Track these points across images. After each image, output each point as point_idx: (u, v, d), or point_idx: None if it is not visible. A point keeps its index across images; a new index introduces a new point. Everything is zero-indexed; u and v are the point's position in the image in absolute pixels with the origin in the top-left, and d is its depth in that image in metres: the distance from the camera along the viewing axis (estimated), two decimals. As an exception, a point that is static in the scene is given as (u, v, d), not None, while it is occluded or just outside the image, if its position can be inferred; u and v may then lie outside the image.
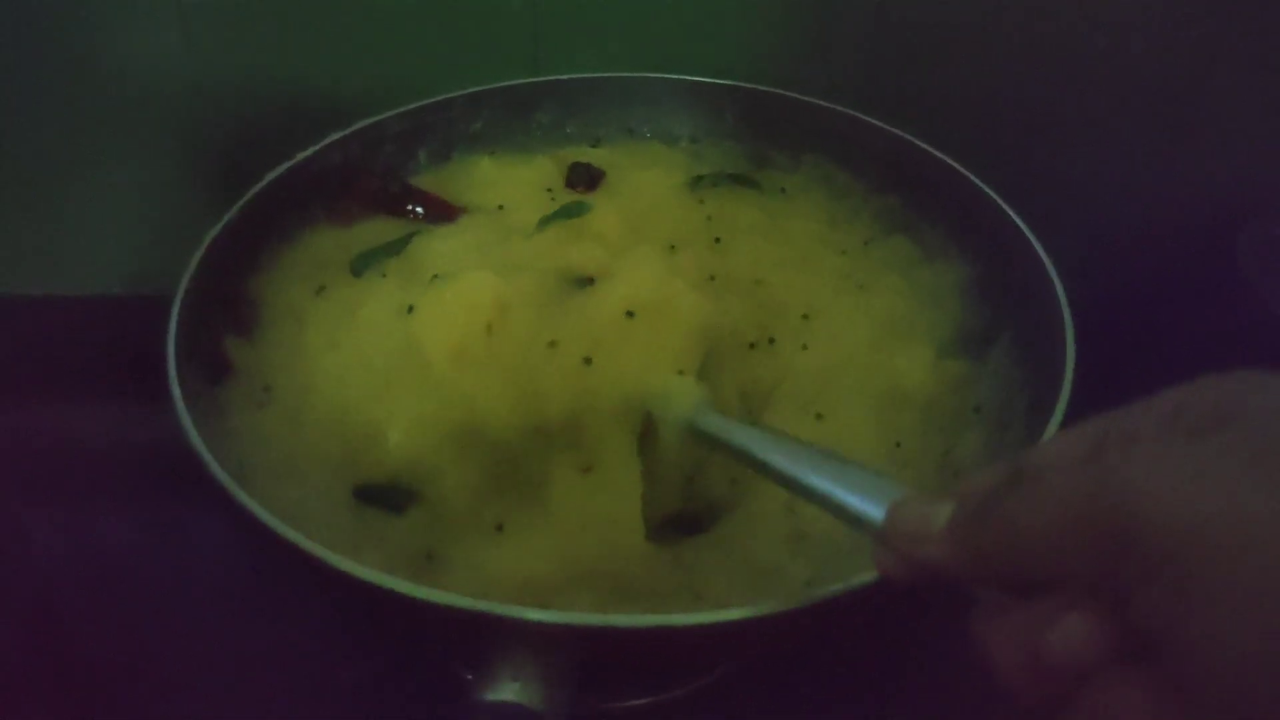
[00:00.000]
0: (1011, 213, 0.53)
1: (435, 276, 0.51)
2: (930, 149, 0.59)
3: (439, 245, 0.56)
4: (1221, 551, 0.19)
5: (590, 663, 0.36)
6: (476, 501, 0.46)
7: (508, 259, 0.54)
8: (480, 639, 0.35)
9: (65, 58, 0.68)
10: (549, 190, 0.63)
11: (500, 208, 0.61)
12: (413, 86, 0.64)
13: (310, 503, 0.45)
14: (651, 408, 0.46)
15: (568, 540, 0.44)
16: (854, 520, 0.30)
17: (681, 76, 0.67)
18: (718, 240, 0.59)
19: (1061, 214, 0.59)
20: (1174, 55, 0.67)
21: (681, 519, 0.48)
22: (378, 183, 0.62)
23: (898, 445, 0.49)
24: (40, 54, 0.67)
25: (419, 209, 0.62)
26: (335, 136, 0.60)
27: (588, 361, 0.47)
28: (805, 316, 0.55)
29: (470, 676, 0.51)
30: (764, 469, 0.37)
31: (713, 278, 0.55)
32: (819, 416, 0.50)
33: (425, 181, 0.64)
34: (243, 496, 0.38)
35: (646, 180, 0.64)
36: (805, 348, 0.53)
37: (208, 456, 0.40)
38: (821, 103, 0.64)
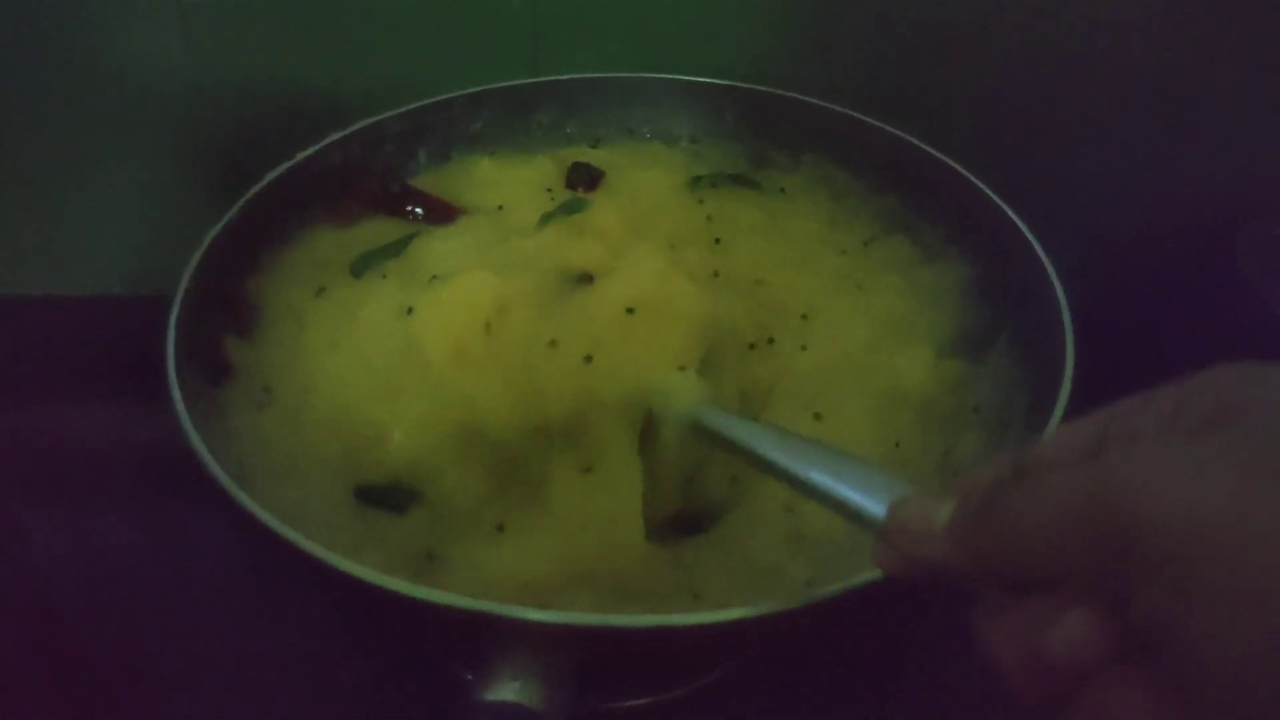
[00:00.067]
0: (1011, 213, 0.53)
1: (434, 277, 0.51)
2: (930, 149, 0.59)
3: (439, 246, 0.56)
4: (1221, 551, 0.19)
5: (590, 663, 0.36)
6: (477, 501, 0.46)
7: (507, 258, 0.54)
8: (480, 639, 0.35)
9: (65, 58, 0.68)
10: (549, 190, 0.63)
11: (500, 208, 0.61)
12: (413, 86, 0.64)
13: (310, 503, 0.45)
14: (653, 404, 0.46)
15: (568, 540, 0.44)
16: (855, 517, 0.30)
17: (681, 77, 0.67)
18: (717, 241, 0.59)
19: (1061, 214, 0.58)
20: (1174, 55, 0.67)
21: (681, 519, 0.48)
22: (378, 183, 0.62)
23: (897, 445, 0.49)
24: (40, 54, 0.67)
25: (419, 210, 0.62)
26: (335, 136, 0.60)
27: (588, 359, 0.47)
28: (805, 316, 0.55)
29: (470, 676, 0.51)
30: (765, 465, 0.37)
31: (716, 274, 0.55)
32: (818, 416, 0.50)
33: (425, 181, 0.64)
34: (242, 497, 0.38)
35: (646, 180, 0.64)
36: (805, 348, 0.53)
37: (207, 457, 0.40)
38: (821, 103, 0.64)
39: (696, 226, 0.60)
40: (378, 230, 0.60)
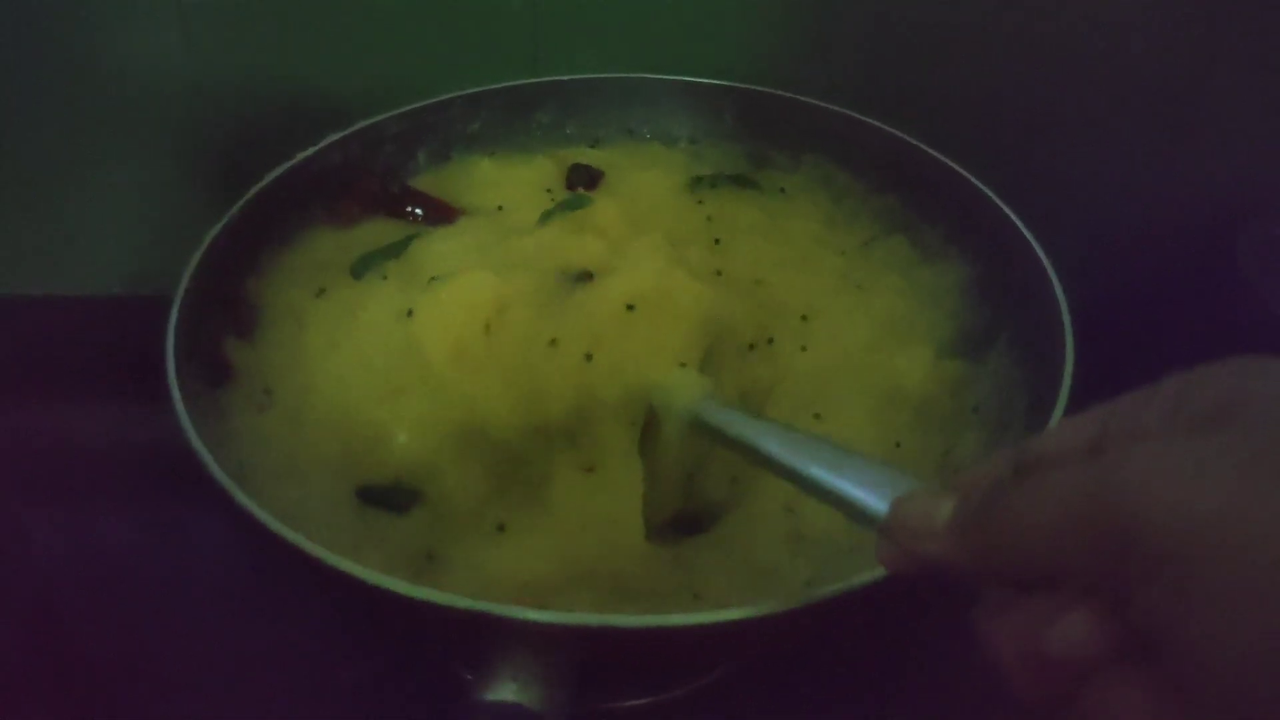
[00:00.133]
0: (1011, 213, 0.53)
1: (434, 278, 0.51)
2: (930, 149, 0.59)
3: (439, 247, 0.56)
4: (1221, 552, 0.19)
5: (590, 663, 0.36)
6: (478, 501, 0.46)
7: (507, 258, 0.54)
8: (480, 639, 0.35)
9: (65, 58, 0.68)
10: (549, 190, 0.63)
11: (500, 208, 0.61)
12: (413, 86, 0.64)
13: (310, 503, 0.45)
14: (654, 401, 0.46)
15: (568, 540, 0.44)
16: (857, 514, 0.30)
17: (681, 77, 0.67)
18: (717, 241, 0.59)
19: (1061, 214, 0.58)
20: (1174, 55, 0.67)
21: (681, 519, 0.48)
22: (377, 184, 0.62)
23: (897, 445, 0.49)
24: (40, 54, 0.67)
25: (418, 210, 0.62)
26: (335, 137, 0.60)
27: (589, 358, 0.47)
28: (804, 317, 0.55)
29: (470, 676, 0.51)
30: (766, 461, 0.37)
31: (719, 273, 0.56)
32: (818, 417, 0.50)
33: (425, 182, 0.64)
34: (242, 497, 0.38)
35: (646, 181, 0.64)
36: (804, 348, 0.53)
37: (207, 457, 0.40)
38: (821, 103, 0.64)
39: (696, 227, 0.61)
40: (378, 231, 0.60)
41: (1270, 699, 0.19)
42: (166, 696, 0.52)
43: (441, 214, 0.61)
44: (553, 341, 0.48)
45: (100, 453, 0.66)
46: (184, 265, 0.49)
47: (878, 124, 0.62)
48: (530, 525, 0.45)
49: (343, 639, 0.55)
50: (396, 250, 0.57)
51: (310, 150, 0.59)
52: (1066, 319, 0.47)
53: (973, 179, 0.56)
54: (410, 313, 0.50)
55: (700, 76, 0.67)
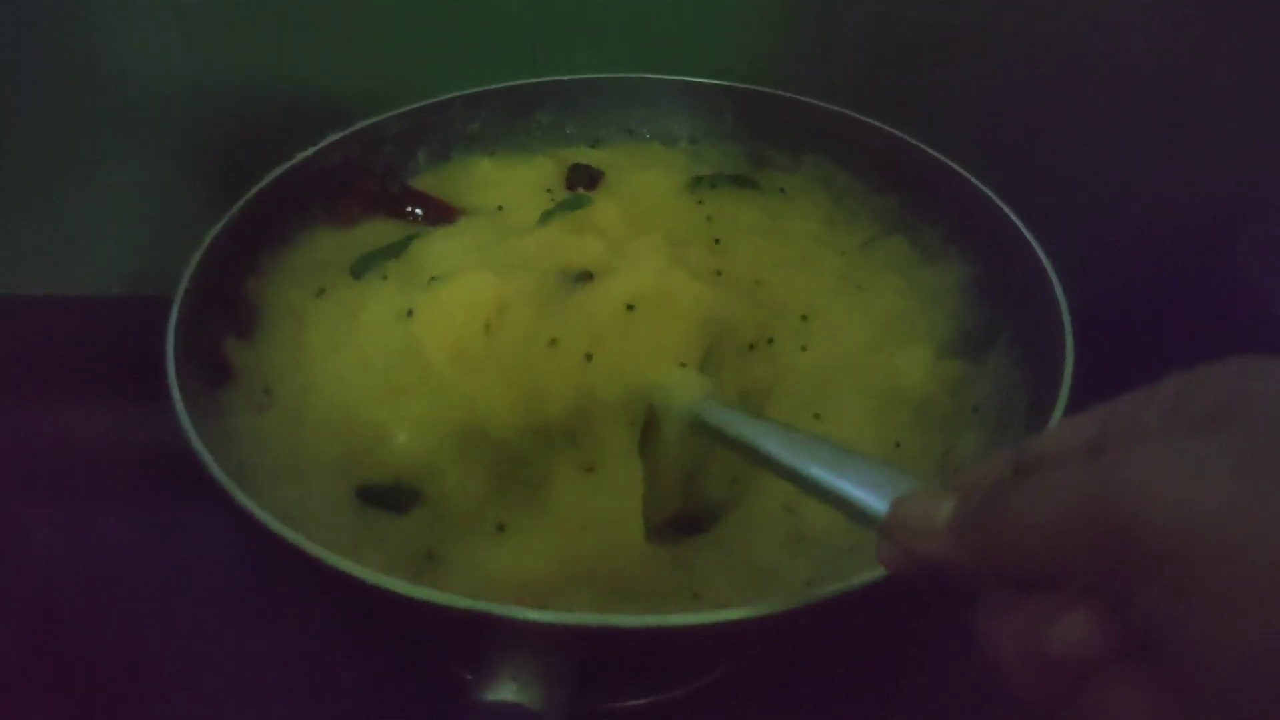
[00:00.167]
0: (1011, 213, 0.53)
1: (434, 278, 0.51)
2: (930, 149, 0.59)
3: (439, 247, 0.56)
4: (1221, 552, 0.19)
5: (590, 663, 0.36)
6: (478, 501, 0.46)
7: (507, 257, 0.54)
8: (480, 639, 0.35)
9: (65, 58, 0.68)
10: (548, 190, 0.63)
11: (500, 208, 0.61)
12: (412, 86, 0.64)
13: (311, 503, 0.45)
14: (654, 401, 0.46)
15: (568, 540, 0.44)
16: (857, 514, 0.30)
17: (680, 77, 0.67)
18: (717, 241, 0.59)
19: (1061, 214, 0.58)
20: (1174, 55, 0.67)
21: (681, 519, 0.48)
22: (377, 184, 0.62)
23: (897, 445, 0.49)
24: (40, 54, 0.67)
25: (418, 210, 0.62)
26: (335, 137, 0.60)
27: (589, 358, 0.47)
28: (804, 317, 0.55)
29: (470, 676, 0.51)
30: (767, 462, 0.37)
31: (719, 273, 0.56)
32: (818, 417, 0.50)
33: (425, 182, 0.64)
34: (242, 497, 0.38)
35: (646, 181, 0.64)
36: (804, 348, 0.53)
37: (207, 457, 0.40)
38: (821, 103, 0.64)
39: (696, 227, 0.61)
40: (378, 231, 0.60)
41: (1270, 699, 0.19)
42: (166, 696, 0.52)
43: (441, 214, 0.61)
44: (553, 341, 0.48)
45: (100, 453, 0.66)
46: (184, 265, 0.49)
47: (878, 124, 0.62)
48: (530, 525, 0.45)
49: (343, 639, 0.55)
50: (396, 250, 0.57)
51: (310, 150, 0.59)
52: (1066, 319, 0.47)
53: (973, 179, 0.56)
54: (410, 313, 0.50)
55: (700, 76, 0.67)
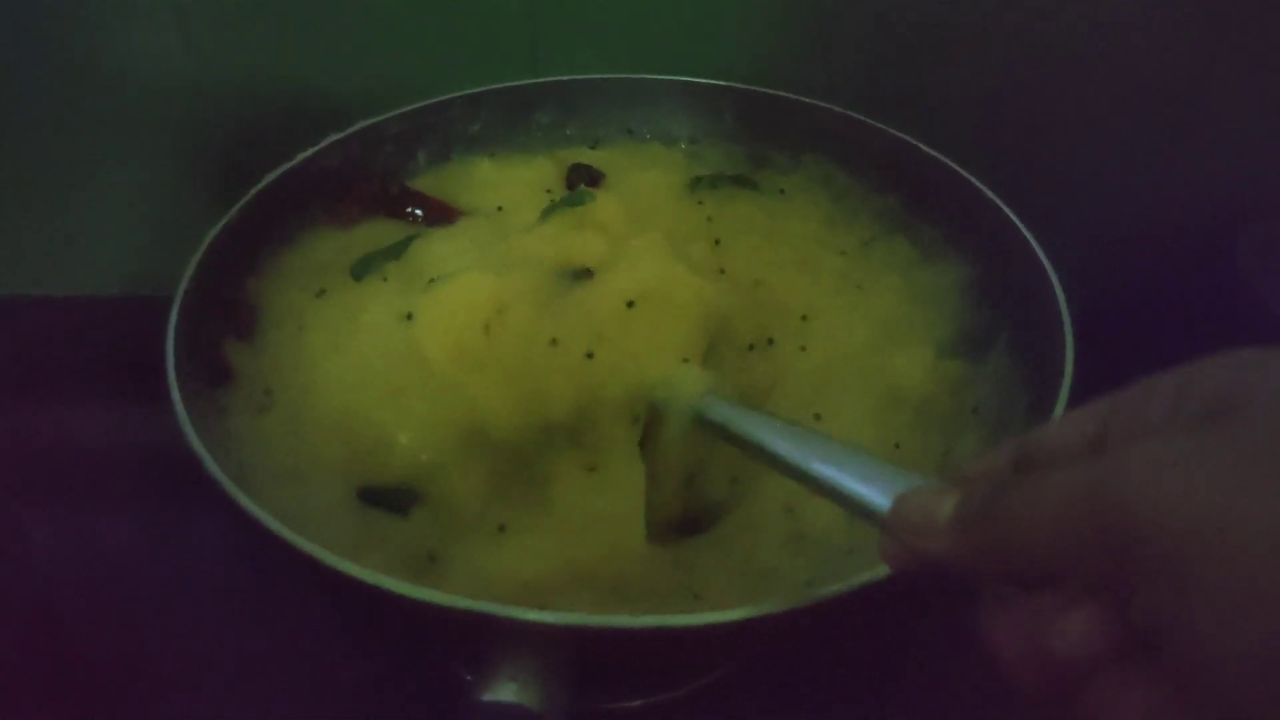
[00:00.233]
0: (1011, 213, 0.53)
1: (433, 280, 0.51)
2: (930, 149, 0.59)
3: (439, 248, 0.56)
4: (1220, 552, 0.19)
5: (590, 663, 0.36)
6: (480, 502, 0.46)
7: (507, 256, 0.54)
8: (480, 639, 0.35)
9: (65, 58, 0.68)
10: (549, 191, 0.63)
11: (499, 209, 0.61)
12: (412, 87, 0.64)
13: (311, 504, 0.45)
14: (656, 398, 0.46)
15: (569, 541, 0.44)
16: (860, 511, 0.30)
17: (680, 77, 0.67)
18: (717, 241, 0.59)
19: (1061, 214, 0.58)
20: (1174, 55, 0.67)
21: (682, 520, 0.48)
22: (377, 185, 0.62)
23: (897, 446, 0.49)
24: (40, 54, 0.67)
25: (418, 211, 0.62)
26: (335, 137, 0.60)
27: (590, 356, 0.47)
28: (804, 317, 0.55)
29: (470, 677, 0.51)
30: (769, 458, 0.37)
31: (722, 271, 0.55)
32: (817, 417, 0.50)
33: (425, 182, 0.64)
34: (242, 498, 0.38)
35: (646, 181, 0.64)
36: (804, 348, 0.53)
37: (207, 458, 0.40)
38: (820, 103, 0.64)
39: (696, 227, 0.61)
40: (377, 232, 0.60)
41: (1270, 700, 0.19)
42: (166, 696, 0.52)
43: (441, 215, 0.61)
44: (553, 341, 0.48)
45: (100, 453, 0.66)
46: (184, 265, 0.49)
47: (878, 124, 0.62)
48: (531, 525, 0.45)
49: (343, 639, 0.55)
50: (396, 251, 0.57)
51: (310, 150, 0.59)
52: (1066, 319, 0.47)
53: (973, 179, 0.56)
54: (410, 315, 0.50)
55: (700, 76, 0.67)
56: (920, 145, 0.59)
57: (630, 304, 0.48)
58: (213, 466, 0.39)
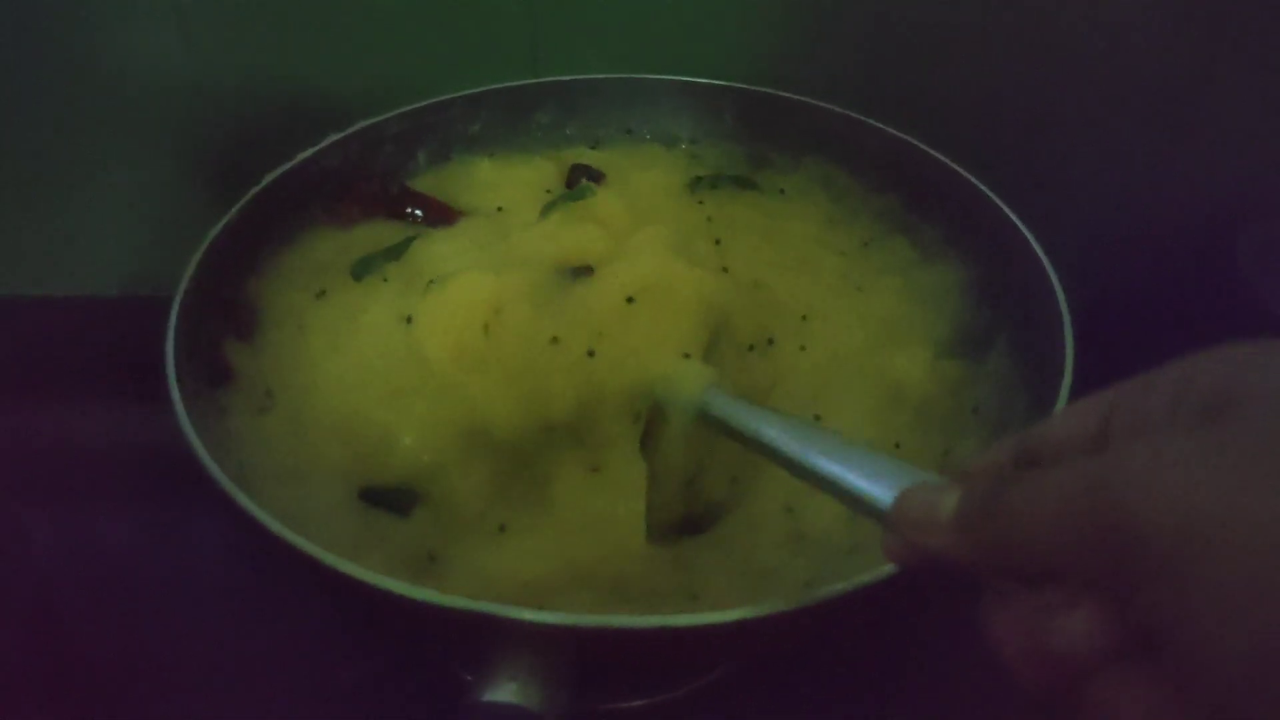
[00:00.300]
0: (1011, 213, 0.53)
1: (432, 281, 0.51)
2: (929, 149, 0.59)
3: (439, 248, 0.56)
4: (1220, 551, 0.19)
5: (589, 663, 0.36)
6: (482, 502, 0.46)
7: (507, 256, 0.54)
8: (479, 639, 0.35)
9: (65, 58, 0.68)
10: (548, 191, 0.63)
11: (499, 209, 0.61)
12: (412, 87, 0.64)
13: (311, 504, 0.45)
14: (659, 394, 0.45)
15: (569, 541, 0.44)
16: (862, 507, 0.30)
17: (680, 77, 0.67)
18: (718, 242, 0.59)
19: (1061, 214, 0.58)
20: (1174, 55, 0.67)
21: (682, 520, 0.48)
22: (377, 185, 0.62)
23: (896, 446, 0.49)
24: (40, 54, 0.67)
25: (418, 211, 0.62)
26: (335, 137, 0.60)
27: (591, 354, 0.47)
28: (804, 317, 0.55)
29: (470, 677, 0.51)
30: (772, 453, 0.36)
31: (725, 270, 0.55)
32: (817, 417, 0.50)
33: (424, 183, 0.64)
34: (242, 498, 0.38)
35: (646, 181, 0.64)
36: (804, 348, 0.53)
37: (206, 458, 0.40)
38: (820, 103, 0.64)
39: (696, 227, 0.60)
40: (377, 232, 0.60)
41: (1270, 699, 0.19)
42: (166, 696, 0.52)
43: (441, 215, 0.61)
44: (554, 339, 0.48)
45: (100, 453, 0.66)
46: (184, 265, 0.49)
47: (878, 124, 0.62)
48: (531, 525, 0.45)
49: (343, 639, 0.55)
50: (396, 252, 0.57)
51: (310, 150, 0.59)
52: (1066, 319, 0.47)
53: (973, 179, 0.56)
54: (410, 316, 0.50)
55: (700, 76, 0.67)
56: (920, 145, 0.59)
57: (630, 299, 0.48)
58: (212, 466, 0.39)
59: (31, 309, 0.77)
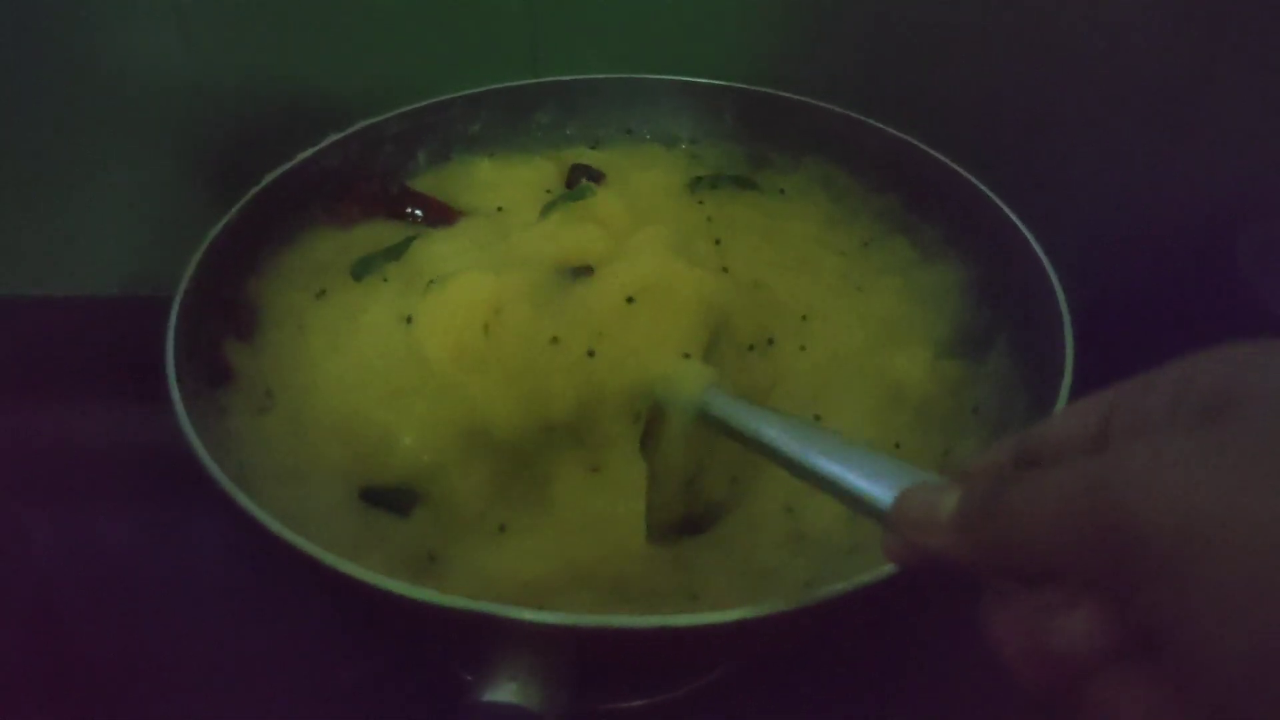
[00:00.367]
0: (1011, 213, 0.53)
1: (431, 281, 0.51)
2: (930, 149, 0.59)
3: (439, 248, 0.56)
4: (1220, 552, 0.19)
5: (590, 663, 0.36)
6: (482, 502, 0.46)
7: (507, 256, 0.54)
8: (479, 639, 0.35)
9: (65, 58, 0.68)
10: (548, 191, 0.63)
11: (499, 209, 0.61)
12: (412, 87, 0.64)
13: (311, 504, 0.45)
14: (659, 393, 0.45)
15: (569, 541, 0.44)
16: (862, 507, 0.30)
17: (680, 77, 0.67)
18: (718, 242, 0.59)
19: (1061, 214, 0.58)
20: (1174, 55, 0.67)
21: (682, 520, 0.48)
22: (377, 185, 0.62)
23: (896, 446, 0.49)
24: (40, 54, 0.67)
25: (418, 211, 0.62)
26: (335, 137, 0.60)
27: (591, 354, 0.47)
28: (804, 318, 0.55)
29: (470, 677, 0.51)
30: (772, 453, 0.36)
31: (725, 269, 0.55)
32: (817, 417, 0.50)
33: (425, 183, 0.64)
34: (242, 498, 0.38)
35: (646, 181, 0.64)
36: (804, 349, 0.53)
37: (206, 458, 0.40)
38: (820, 103, 0.64)
39: (696, 227, 0.60)
40: (377, 232, 0.60)
41: (1270, 699, 0.19)
42: (166, 696, 0.52)
43: (441, 215, 0.61)
44: (554, 339, 0.48)
45: (100, 453, 0.66)
46: (184, 265, 0.49)
47: (878, 124, 0.62)
48: (531, 525, 0.45)
49: (343, 639, 0.55)
50: (396, 252, 0.57)
51: (310, 150, 0.59)
52: (1066, 319, 0.47)
53: (973, 179, 0.56)
54: (410, 317, 0.50)
55: (700, 76, 0.67)
56: (920, 145, 0.59)
57: (630, 299, 0.48)
58: (212, 466, 0.39)
59: (31, 309, 0.77)
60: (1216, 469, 0.20)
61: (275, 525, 0.37)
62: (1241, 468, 0.20)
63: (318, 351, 0.51)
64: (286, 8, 0.67)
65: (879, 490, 0.29)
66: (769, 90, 0.66)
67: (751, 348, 0.52)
